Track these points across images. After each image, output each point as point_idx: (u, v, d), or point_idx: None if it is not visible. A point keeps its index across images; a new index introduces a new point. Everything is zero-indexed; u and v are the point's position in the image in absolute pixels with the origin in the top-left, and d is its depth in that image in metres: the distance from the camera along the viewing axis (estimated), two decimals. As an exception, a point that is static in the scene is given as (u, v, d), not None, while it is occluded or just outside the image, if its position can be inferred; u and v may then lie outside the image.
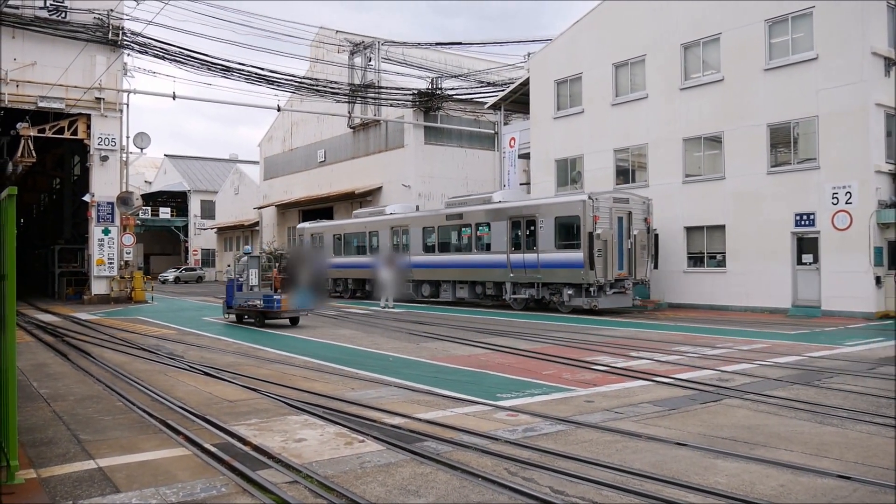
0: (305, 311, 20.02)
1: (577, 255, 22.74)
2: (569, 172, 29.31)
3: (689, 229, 24.86)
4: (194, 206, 69.18)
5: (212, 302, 31.35)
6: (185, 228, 69.65)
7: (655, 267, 24.69)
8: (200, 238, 68.62)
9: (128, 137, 31.68)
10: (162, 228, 70.70)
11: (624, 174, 27.15)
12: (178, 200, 72.21)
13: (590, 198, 22.75)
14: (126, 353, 13.98)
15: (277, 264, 45.49)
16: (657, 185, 25.65)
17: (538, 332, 17.46)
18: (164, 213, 68.25)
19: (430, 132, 39.21)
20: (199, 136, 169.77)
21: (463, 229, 27.57)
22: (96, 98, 30.31)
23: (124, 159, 31.76)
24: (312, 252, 36.50)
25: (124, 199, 30.95)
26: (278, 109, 35.78)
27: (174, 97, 31.67)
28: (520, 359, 13.02)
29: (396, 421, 7.91)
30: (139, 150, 33.49)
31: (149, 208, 65.98)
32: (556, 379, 10.75)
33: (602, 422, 7.92)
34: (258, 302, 19.63)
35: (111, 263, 30.58)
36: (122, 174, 31.51)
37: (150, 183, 79.38)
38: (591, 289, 22.70)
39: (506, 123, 35.50)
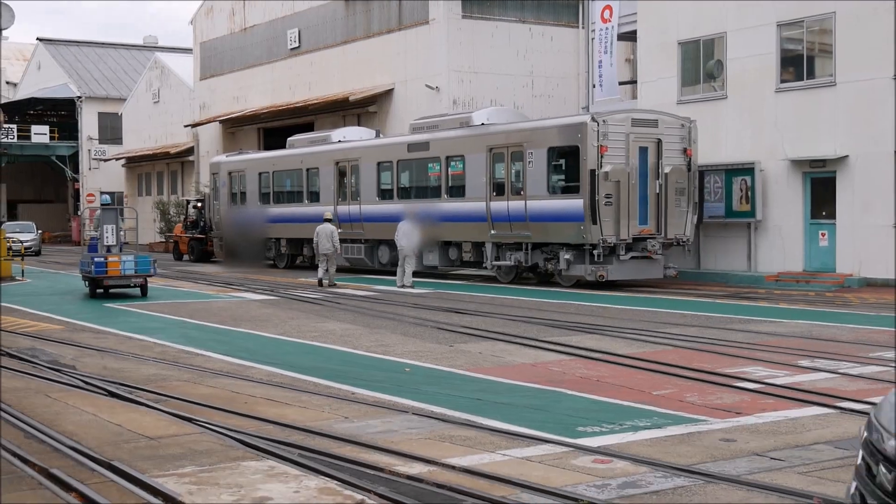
0: (142, 277, 24.60)
1: (576, 203, 24.72)
2: (701, 63, 29.07)
3: (902, 156, 24.61)
4: (89, 124, 70.01)
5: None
6: (75, 159, 70.53)
7: (699, 221, 26.76)
8: (99, 175, 69.52)
9: (-22, 11, 32.04)
10: (36, 159, 71.68)
11: (794, 63, 26.88)
12: (61, 114, 72.95)
13: (594, 119, 24.73)
14: (-16, 362, 14.31)
15: (183, 217, 46.56)
16: (850, 83, 25.37)
17: (645, 323, 17.61)
18: (40, 133, 69.16)
19: (471, -2, 39.01)
20: (93, 7, 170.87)
21: (430, 165, 29.89)
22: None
23: (-26, 48, 32.15)
24: (232, 199, 39.27)
25: (-25, 113, 31.47)
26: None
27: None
28: (615, 369, 13.14)
29: (416, 469, 8.09)
30: (-3, 33, 33.87)
31: (14, 127, 66.96)
32: (674, 403, 10.85)
33: (749, 473, 8.01)
34: (91, 267, 24.26)
35: (-43, 217, 31.23)
36: (-30, 72, 31.99)
37: (14, 85, 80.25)
38: (596, 252, 24.64)
39: (597, -19, 35.13)
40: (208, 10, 54.58)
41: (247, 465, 8.31)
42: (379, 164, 31.84)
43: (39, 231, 57.72)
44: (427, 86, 38.66)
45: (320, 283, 27.82)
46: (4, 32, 33.72)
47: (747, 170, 26.93)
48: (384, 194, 31.66)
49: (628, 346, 15.30)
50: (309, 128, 45.07)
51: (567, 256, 25.32)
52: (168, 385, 12.22)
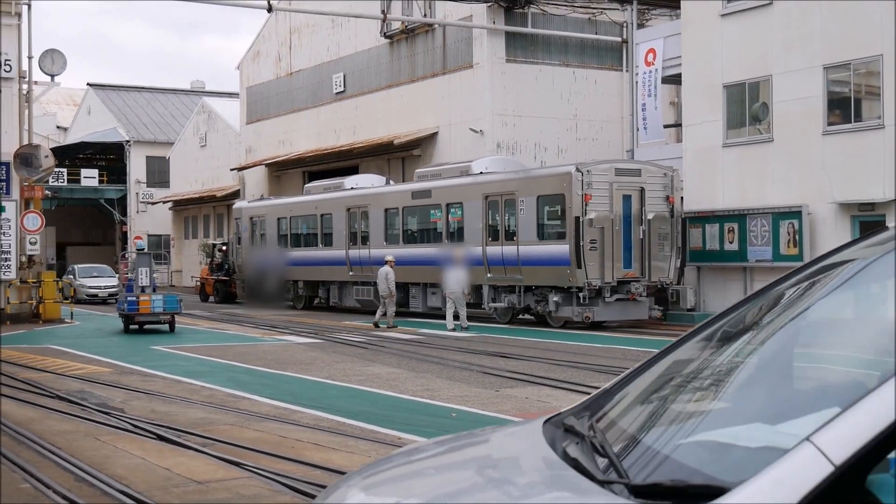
0: (170, 314, 27.21)
1: (562, 248, 26.43)
2: (747, 106, 28.98)
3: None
4: (137, 167, 70.81)
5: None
6: (123, 202, 71.33)
7: (682, 265, 28.35)
8: (146, 218, 70.19)
9: (30, 58, 32.52)
10: (85, 203, 72.54)
11: (841, 106, 26.72)
12: (110, 157, 73.86)
13: (578, 169, 26.41)
14: (34, 405, 14.45)
15: (209, 260, 48.11)
16: (898, 126, 25.18)
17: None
18: (89, 176, 70.02)
19: (515, 42, 39.22)
20: (140, 52, 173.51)
21: (432, 212, 31.62)
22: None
23: (25, 92, 32.58)
24: (253, 242, 41.30)
25: (26, 158, 31.80)
26: (269, 10, 36.36)
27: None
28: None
29: (465, 517, 8.01)
30: (49, 79, 34.38)
31: (64, 171, 67.81)
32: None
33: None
34: (125, 305, 27.08)
35: (6, 260, 31.58)
36: (21, 117, 32.38)
37: (65, 129, 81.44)
38: (582, 294, 26.12)
39: (641, 25, 35.22)
40: (255, 56, 55.25)
41: (295, 511, 8.28)
42: (386, 210, 33.52)
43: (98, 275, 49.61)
44: (471, 129, 38.81)
45: (375, 326, 28.59)
46: (56, 78, 34.22)
47: (795, 213, 26.74)
48: (391, 238, 33.25)
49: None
50: (354, 171, 45.45)
51: (555, 298, 26.84)
52: (215, 429, 12.25)
